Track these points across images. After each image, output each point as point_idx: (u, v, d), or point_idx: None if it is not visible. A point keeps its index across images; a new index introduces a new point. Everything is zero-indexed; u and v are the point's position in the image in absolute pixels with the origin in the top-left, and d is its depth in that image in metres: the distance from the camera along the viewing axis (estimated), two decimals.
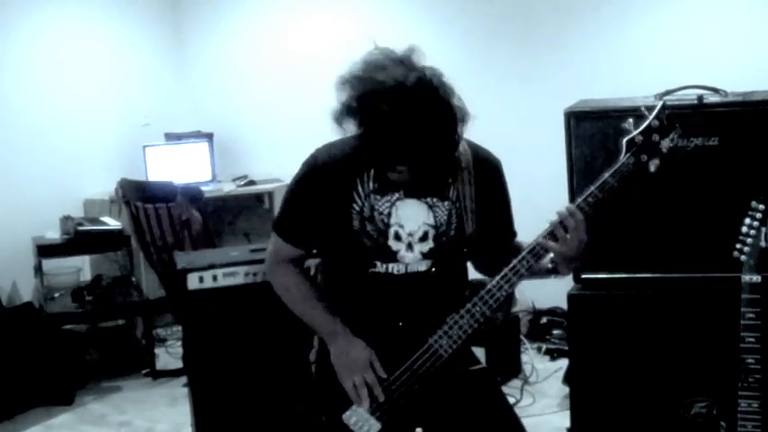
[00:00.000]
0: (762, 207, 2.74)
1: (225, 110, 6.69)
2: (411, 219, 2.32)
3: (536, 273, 2.28)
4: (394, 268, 2.33)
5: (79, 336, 5.43)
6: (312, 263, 2.55)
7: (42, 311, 5.09)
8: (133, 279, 5.50)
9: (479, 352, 2.53)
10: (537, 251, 2.23)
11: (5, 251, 5.45)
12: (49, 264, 5.44)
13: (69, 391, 4.83)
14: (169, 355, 5.39)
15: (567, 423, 3.47)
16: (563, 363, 4.64)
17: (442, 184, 2.32)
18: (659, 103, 2.28)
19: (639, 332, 3.29)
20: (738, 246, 2.74)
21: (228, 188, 6.32)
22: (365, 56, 2.17)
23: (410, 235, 2.32)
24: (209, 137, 6.52)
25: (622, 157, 2.24)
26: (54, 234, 5.44)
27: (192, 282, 3.54)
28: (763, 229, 2.73)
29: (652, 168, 2.24)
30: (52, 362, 4.80)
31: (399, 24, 5.79)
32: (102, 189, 5.96)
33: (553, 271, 2.29)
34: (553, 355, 5.02)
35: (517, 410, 2.54)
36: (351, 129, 2.17)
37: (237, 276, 3.57)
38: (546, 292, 4.88)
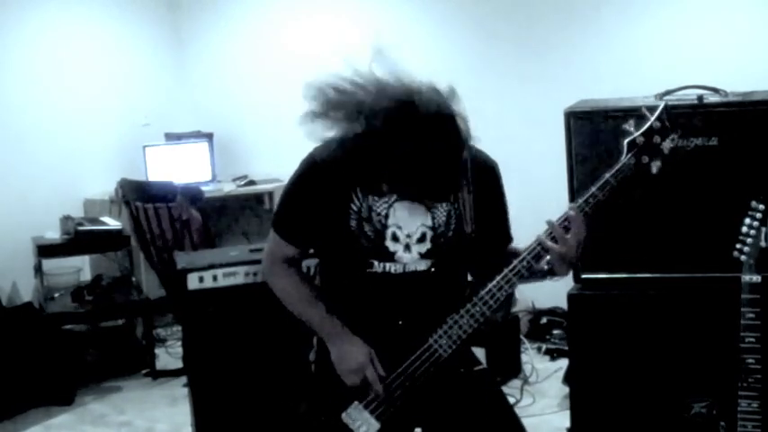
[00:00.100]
0: (762, 207, 2.74)
1: (225, 110, 6.69)
2: (409, 220, 2.31)
3: (534, 274, 2.27)
4: (391, 268, 2.32)
5: (79, 336, 5.44)
6: (310, 263, 2.56)
7: (42, 311, 5.09)
8: (133, 279, 5.51)
9: (479, 352, 2.53)
10: (537, 251, 2.23)
11: (5, 251, 5.46)
12: (49, 264, 5.45)
13: (69, 391, 4.82)
14: (169, 355, 5.39)
15: (567, 423, 3.47)
16: (563, 363, 4.64)
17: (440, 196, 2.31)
18: (660, 105, 2.28)
19: (639, 332, 3.29)
20: (738, 246, 2.74)
21: (228, 188, 6.32)
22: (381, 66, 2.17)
23: (408, 236, 2.31)
24: (209, 137, 6.52)
25: (624, 159, 2.24)
26: (54, 234, 5.44)
27: (192, 282, 3.54)
28: (763, 229, 2.73)
29: (654, 170, 2.24)
30: (52, 362, 4.79)
31: (399, 24, 5.78)
32: (102, 189, 5.96)
33: (550, 272, 2.28)
34: (553, 355, 5.01)
35: (517, 410, 2.54)
36: (350, 129, 2.17)
37: (237, 276, 3.56)
38: (546, 292, 4.85)
